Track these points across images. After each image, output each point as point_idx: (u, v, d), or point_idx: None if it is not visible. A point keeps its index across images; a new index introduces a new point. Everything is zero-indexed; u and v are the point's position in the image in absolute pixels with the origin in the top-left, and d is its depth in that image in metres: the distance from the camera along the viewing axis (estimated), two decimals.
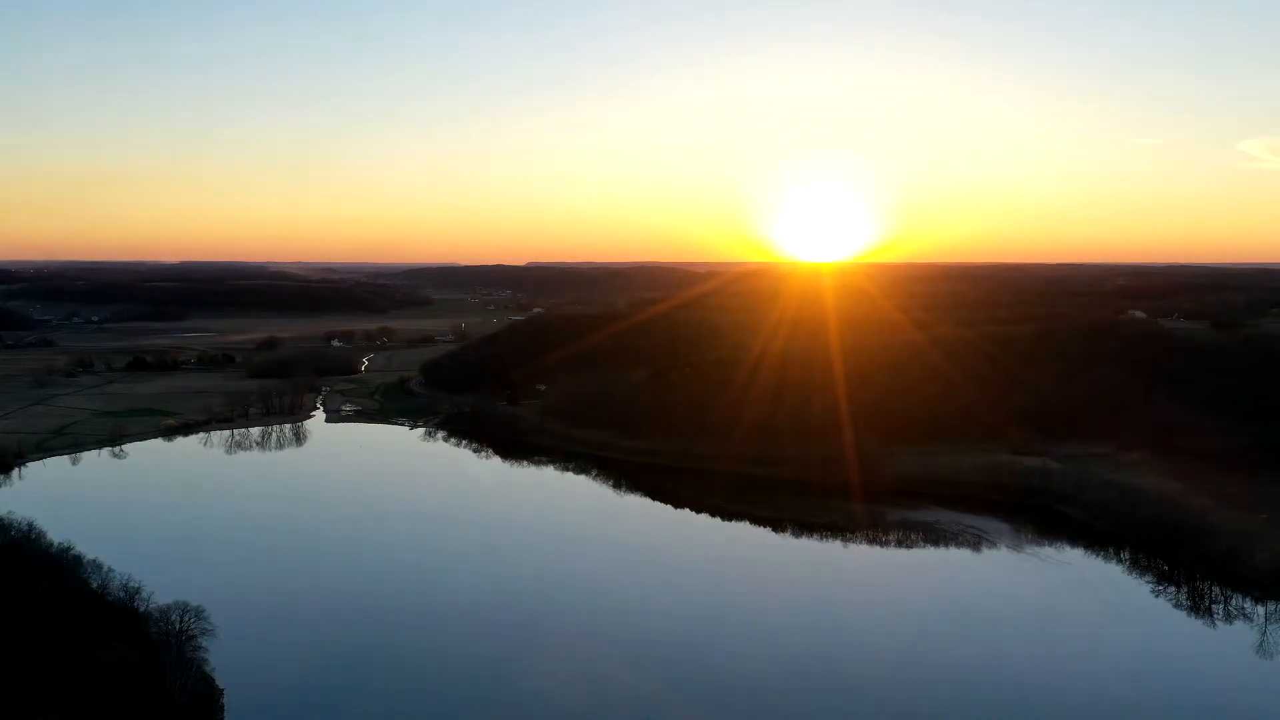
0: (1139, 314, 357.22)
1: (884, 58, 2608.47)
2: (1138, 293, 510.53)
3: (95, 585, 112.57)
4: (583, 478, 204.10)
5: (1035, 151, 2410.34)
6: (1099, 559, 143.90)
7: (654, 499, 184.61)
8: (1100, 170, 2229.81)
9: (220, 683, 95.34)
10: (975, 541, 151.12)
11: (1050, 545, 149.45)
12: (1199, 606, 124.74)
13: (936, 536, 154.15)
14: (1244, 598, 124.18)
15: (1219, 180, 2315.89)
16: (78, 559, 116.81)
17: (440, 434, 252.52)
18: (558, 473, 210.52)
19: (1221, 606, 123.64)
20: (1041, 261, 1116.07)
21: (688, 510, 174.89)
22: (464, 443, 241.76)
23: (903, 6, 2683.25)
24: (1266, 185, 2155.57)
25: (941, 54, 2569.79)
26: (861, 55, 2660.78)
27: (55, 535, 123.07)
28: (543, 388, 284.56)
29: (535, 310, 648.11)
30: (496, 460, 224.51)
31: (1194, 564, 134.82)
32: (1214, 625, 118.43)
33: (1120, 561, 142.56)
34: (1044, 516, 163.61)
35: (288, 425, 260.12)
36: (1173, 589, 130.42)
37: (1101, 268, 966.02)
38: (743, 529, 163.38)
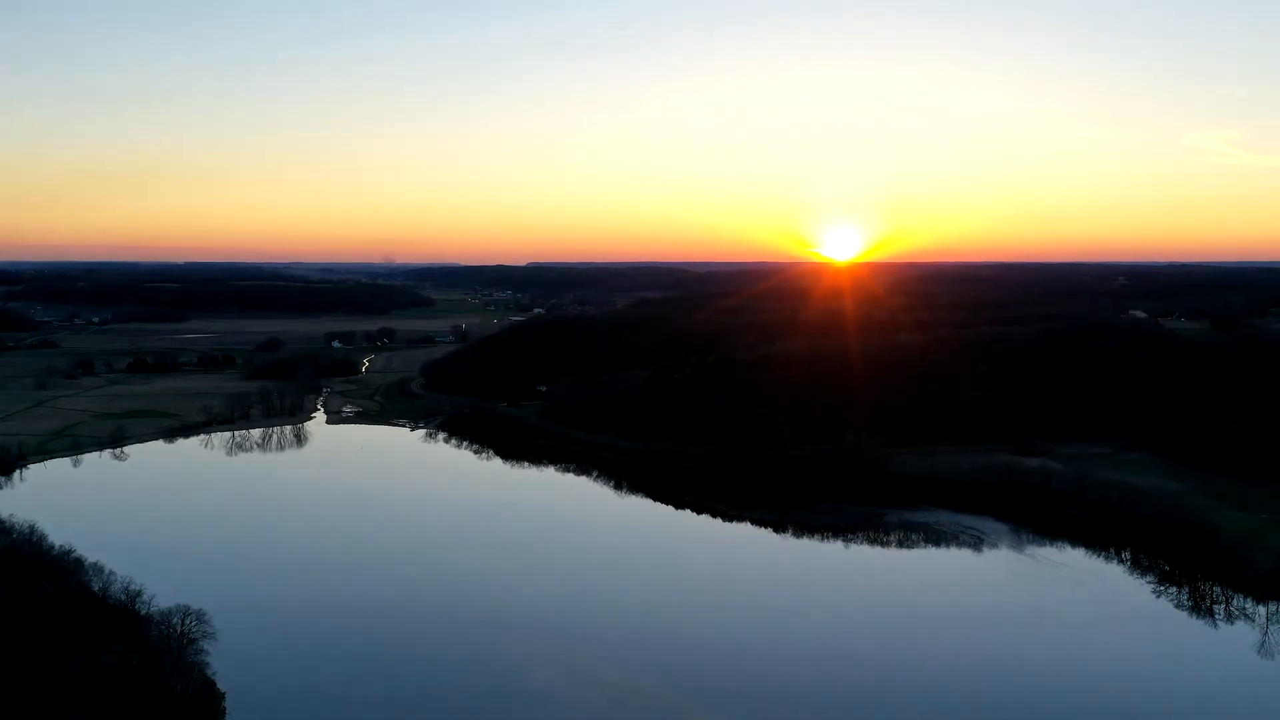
0: (1139, 314, 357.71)
1: (876, 56, 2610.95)
2: (1138, 293, 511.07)
3: (96, 588, 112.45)
4: (583, 479, 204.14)
5: (1006, 148, 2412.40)
6: (1099, 559, 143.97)
7: (654, 500, 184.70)
8: (1067, 166, 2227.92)
9: (221, 685, 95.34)
10: (975, 542, 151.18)
11: (1050, 546, 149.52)
12: (1199, 607, 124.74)
13: (936, 537, 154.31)
14: (1244, 598, 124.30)
15: (1172, 174, 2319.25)
16: (79, 561, 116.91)
17: (441, 435, 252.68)
18: (558, 474, 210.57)
19: (1222, 607, 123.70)
20: (1038, 261, 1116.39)
21: (688, 511, 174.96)
22: (465, 444, 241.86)
23: (900, 8, 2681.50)
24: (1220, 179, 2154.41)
25: (930, 51, 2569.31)
26: (852, 55, 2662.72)
27: (56, 538, 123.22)
28: (543, 388, 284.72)
29: (536, 311, 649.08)
30: (497, 461, 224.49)
31: (1194, 564, 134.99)
32: (1214, 625, 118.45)
33: (1120, 562, 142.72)
34: (1044, 517, 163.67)
35: (288, 427, 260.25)
36: (1173, 589, 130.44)
37: (1102, 267, 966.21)
38: (743, 530, 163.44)
